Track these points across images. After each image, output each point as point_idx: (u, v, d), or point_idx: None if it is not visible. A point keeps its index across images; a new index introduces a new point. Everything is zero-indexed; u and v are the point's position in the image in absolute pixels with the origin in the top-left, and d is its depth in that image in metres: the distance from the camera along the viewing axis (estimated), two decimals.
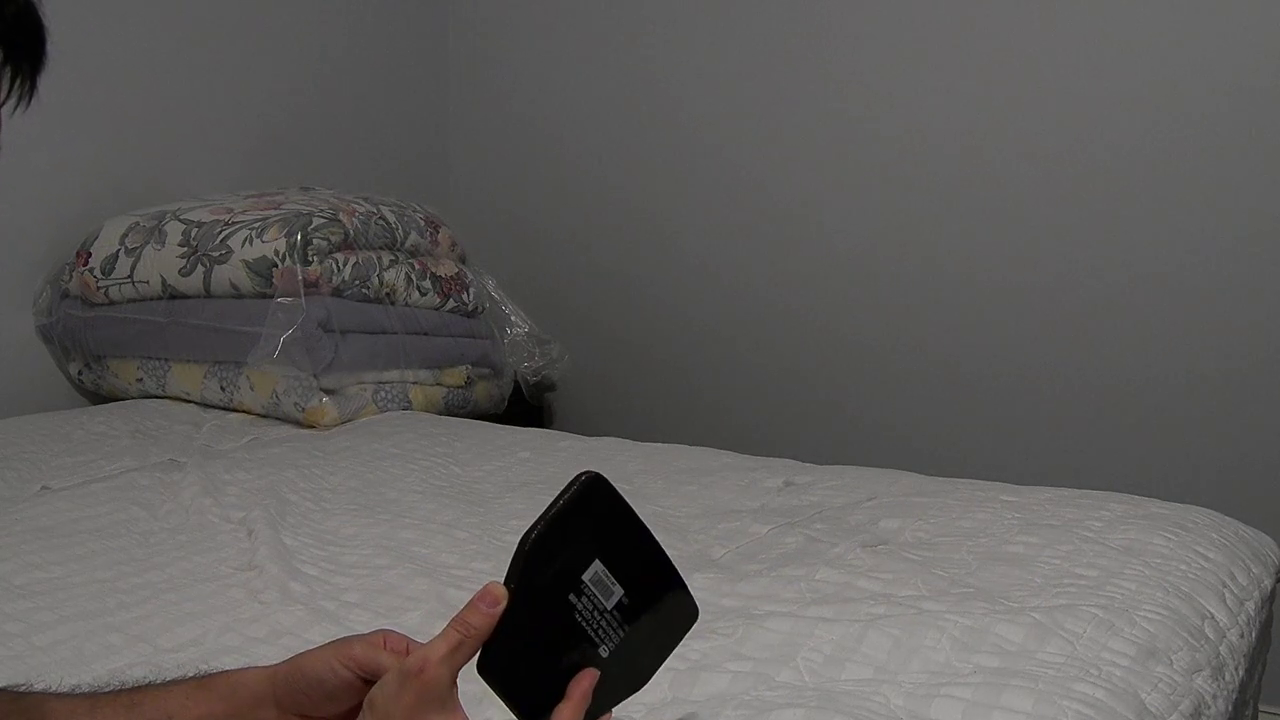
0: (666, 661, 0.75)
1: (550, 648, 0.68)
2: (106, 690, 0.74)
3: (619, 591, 0.70)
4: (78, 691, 0.76)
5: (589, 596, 0.69)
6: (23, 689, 0.75)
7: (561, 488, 0.69)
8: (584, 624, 0.69)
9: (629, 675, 0.73)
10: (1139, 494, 1.44)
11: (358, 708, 0.68)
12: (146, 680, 0.75)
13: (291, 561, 1.22)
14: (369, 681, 0.69)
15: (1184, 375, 2.10)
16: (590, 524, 0.69)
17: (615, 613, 0.70)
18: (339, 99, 2.61)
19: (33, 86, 0.67)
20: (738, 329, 2.55)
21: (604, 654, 0.70)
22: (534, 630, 0.67)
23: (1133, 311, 2.14)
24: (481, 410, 2.22)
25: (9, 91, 0.66)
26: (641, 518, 0.72)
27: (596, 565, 0.69)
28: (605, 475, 0.71)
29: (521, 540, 0.68)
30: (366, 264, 2.00)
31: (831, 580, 1.14)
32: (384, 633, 0.72)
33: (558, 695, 0.68)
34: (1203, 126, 2.04)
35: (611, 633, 0.70)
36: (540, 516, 0.68)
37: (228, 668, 0.77)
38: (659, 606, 0.73)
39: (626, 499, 0.72)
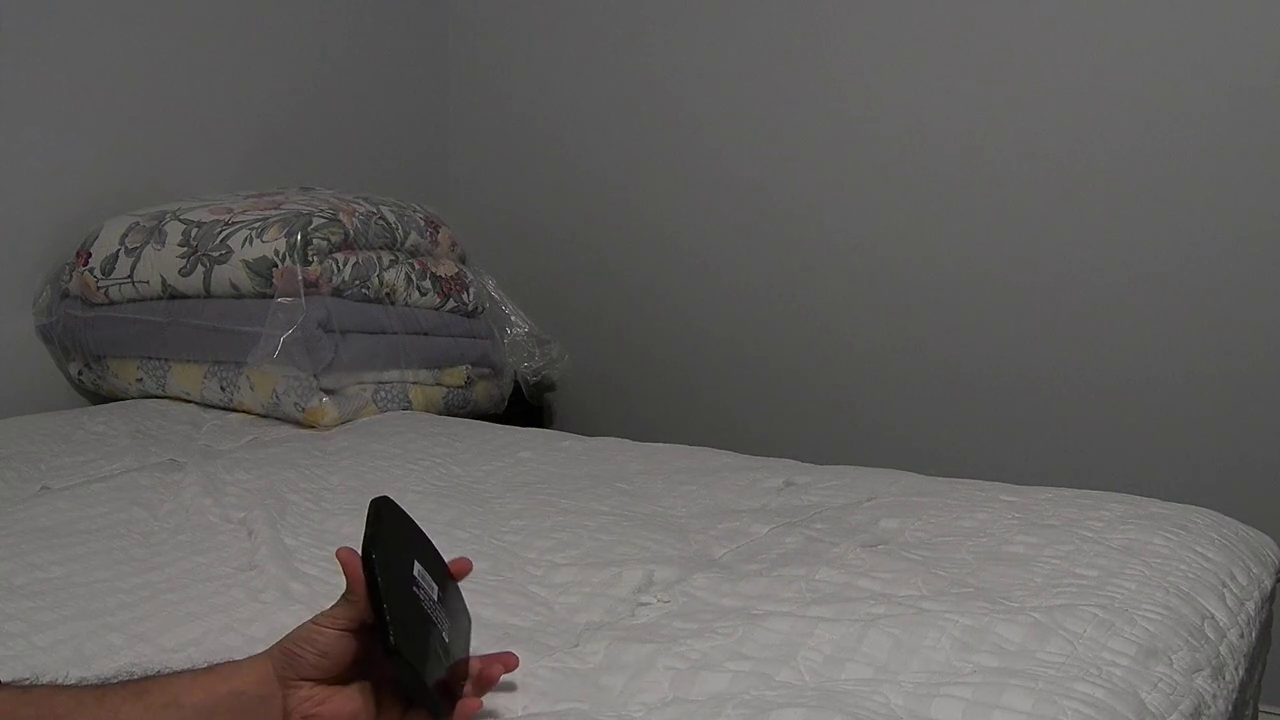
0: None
1: (423, 631, 0.79)
2: (114, 681, 0.77)
3: (435, 587, 0.82)
4: (85, 684, 0.77)
5: (423, 589, 0.80)
6: (28, 682, 0.76)
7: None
8: (429, 612, 0.80)
9: (461, 652, 0.85)
10: (1139, 494, 1.44)
11: (352, 664, 0.78)
12: (154, 671, 0.79)
13: (291, 561, 1.22)
14: (354, 633, 0.78)
15: (1184, 375, 2.11)
16: (395, 533, 0.82)
17: (439, 603, 0.81)
18: (339, 99, 2.61)
19: None
20: (738, 329, 2.55)
21: (446, 638, 0.80)
22: (410, 619, 0.77)
23: (1133, 311, 2.14)
24: (481, 410, 2.22)
25: None
26: (427, 532, 0.86)
27: (417, 565, 0.81)
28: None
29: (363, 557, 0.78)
30: (366, 264, 2.00)
31: (831, 580, 1.14)
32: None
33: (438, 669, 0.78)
34: (1203, 126, 2.04)
35: (443, 619, 0.81)
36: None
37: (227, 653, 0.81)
38: (459, 607, 0.86)
39: (411, 516, 0.85)
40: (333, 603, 0.80)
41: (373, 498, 0.84)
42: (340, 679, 0.79)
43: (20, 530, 1.31)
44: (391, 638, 0.73)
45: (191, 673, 0.77)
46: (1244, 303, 2.04)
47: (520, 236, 2.79)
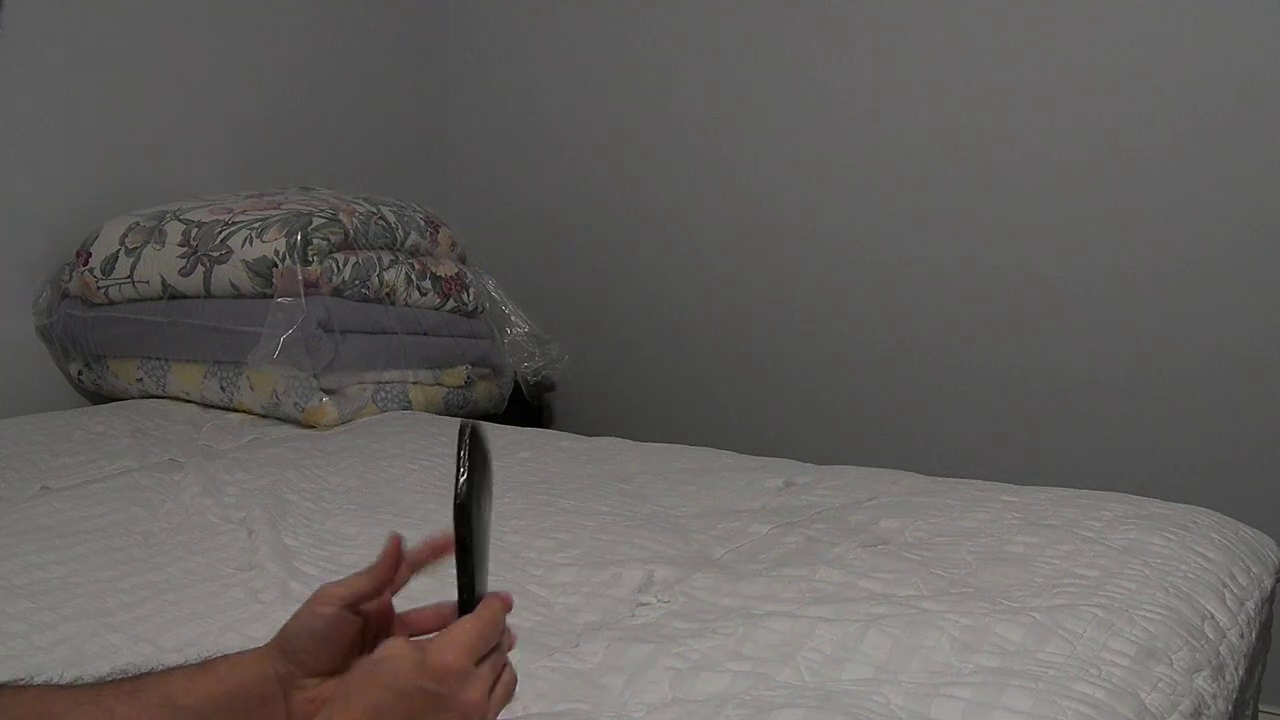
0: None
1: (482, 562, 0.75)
2: (109, 680, 0.76)
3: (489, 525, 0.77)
4: (80, 683, 0.76)
5: (488, 533, 0.76)
6: (23, 682, 0.75)
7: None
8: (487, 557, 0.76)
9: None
10: (1139, 494, 1.44)
11: (353, 647, 0.75)
12: (149, 668, 0.77)
13: (291, 561, 1.22)
14: (356, 611, 0.75)
15: (1185, 375, 2.10)
16: (485, 474, 0.76)
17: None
18: (339, 99, 2.61)
19: None
20: (738, 329, 2.55)
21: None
22: (484, 571, 0.75)
23: (1133, 311, 2.14)
24: (481, 410, 2.22)
25: None
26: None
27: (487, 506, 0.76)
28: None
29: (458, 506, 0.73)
30: (366, 264, 2.00)
31: (831, 580, 1.14)
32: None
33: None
34: (1205, 126, 2.04)
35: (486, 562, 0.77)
36: (463, 477, 0.74)
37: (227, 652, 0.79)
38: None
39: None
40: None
41: (464, 421, 0.79)
42: (343, 668, 0.77)
43: (20, 530, 1.31)
44: (477, 598, 0.73)
45: (186, 671, 0.75)
46: (1244, 303, 2.04)
47: (520, 236, 2.79)
